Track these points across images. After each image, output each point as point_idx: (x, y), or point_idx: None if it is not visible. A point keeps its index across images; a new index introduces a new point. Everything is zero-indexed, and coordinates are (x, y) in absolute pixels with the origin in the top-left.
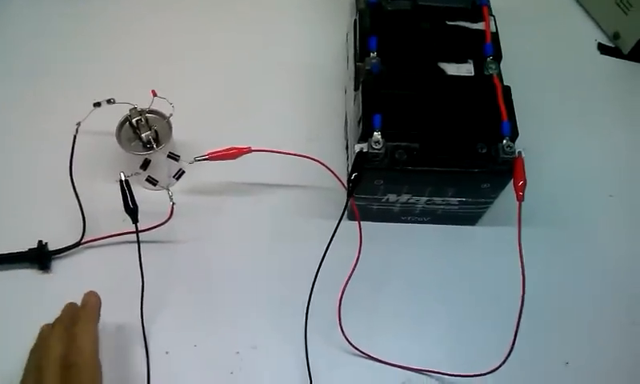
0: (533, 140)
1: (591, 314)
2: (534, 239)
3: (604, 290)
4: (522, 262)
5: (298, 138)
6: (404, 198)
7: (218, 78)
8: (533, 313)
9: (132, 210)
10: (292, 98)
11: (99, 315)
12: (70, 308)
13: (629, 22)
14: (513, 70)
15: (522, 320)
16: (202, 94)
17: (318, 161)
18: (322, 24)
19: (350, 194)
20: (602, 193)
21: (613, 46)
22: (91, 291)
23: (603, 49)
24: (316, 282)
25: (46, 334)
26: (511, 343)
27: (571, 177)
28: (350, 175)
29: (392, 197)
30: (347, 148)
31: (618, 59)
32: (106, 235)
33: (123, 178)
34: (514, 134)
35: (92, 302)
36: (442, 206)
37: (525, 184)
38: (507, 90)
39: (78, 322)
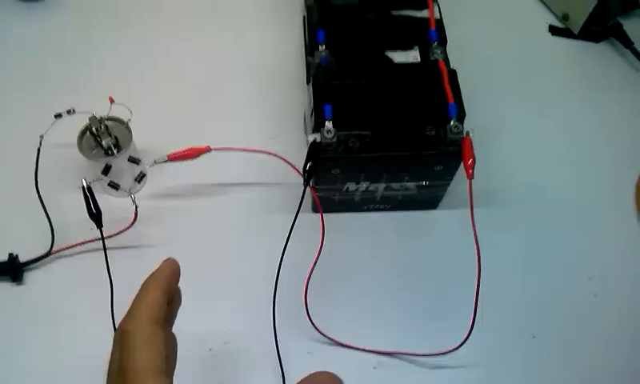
0: (489, 122)
1: (554, 288)
2: (494, 218)
3: (566, 264)
4: (476, 240)
5: (259, 136)
6: (363, 186)
7: (177, 84)
8: (497, 289)
9: (96, 215)
10: (252, 99)
11: (172, 283)
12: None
13: (576, 3)
14: (466, 56)
15: (488, 297)
16: (162, 100)
17: (277, 156)
18: (280, 26)
19: (306, 184)
20: (560, 169)
21: (563, 27)
22: (168, 258)
23: (554, 30)
24: (283, 274)
25: None
26: (472, 318)
27: (529, 155)
28: (304, 165)
29: (351, 185)
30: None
31: (569, 39)
32: (74, 244)
33: (85, 185)
34: (460, 115)
35: (161, 268)
36: (400, 192)
37: (474, 162)
38: (453, 74)
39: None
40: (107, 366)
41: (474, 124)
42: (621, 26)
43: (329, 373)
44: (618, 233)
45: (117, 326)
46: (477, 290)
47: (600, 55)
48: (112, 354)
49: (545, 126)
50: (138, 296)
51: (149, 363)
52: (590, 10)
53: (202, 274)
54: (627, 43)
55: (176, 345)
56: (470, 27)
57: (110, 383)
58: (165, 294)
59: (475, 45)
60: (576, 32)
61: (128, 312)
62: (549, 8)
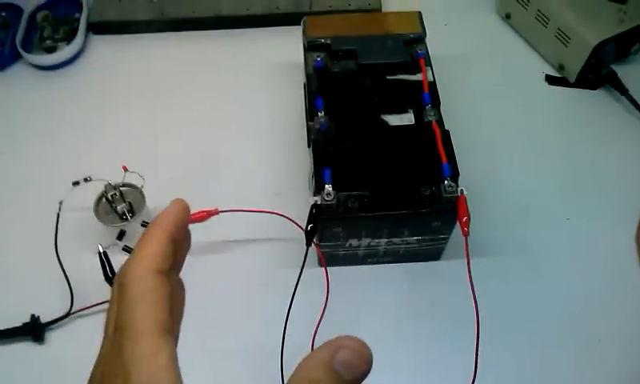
0: (487, 174)
1: (555, 336)
2: (495, 269)
3: (567, 312)
4: (474, 295)
5: (266, 194)
6: (365, 241)
7: (188, 148)
8: (503, 338)
9: (111, 279)
10: (259, 159)
11: (180, 225)
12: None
13: (570, 53)
14: (463, 110)
15: (489, 348)
16: (174, 164)
17: (282, 215)
18: (285, 89)
19: (308, 244)
20: (559, 217)
21: (560, 76)
22: (176, 199)
23: (551, 80)
24: (290, 329)
25: None
26: (473, 370)
27: (530, 203)
28: (306, 227)
29: (354, 242)
30: None
31: (565, 88)
32: (92, 304)
33: (101, 250)
34: (454, 174)
35: (168, 210)
36: (402, 246)
37: (469, 219)
38: (446, 134)
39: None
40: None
41: (472, 177)
42: (615, 73)
43: (355, 338)
44: (623, 286)
45: (114, 277)
46: (476, 348)
47: (596, 102)
48: (108, 310)
49: (543, 175)
50: (139, 242)
51: (149, 320)
52: (584, 59)
53: (209, 330)
54: (622, 90)
55: (183, 292)
56: (466, 81)
57: (106, 344)
58: (171, 239)
59: (472, 98)
60: (572, 81)
61: (127, 260)
62: (544, 58)
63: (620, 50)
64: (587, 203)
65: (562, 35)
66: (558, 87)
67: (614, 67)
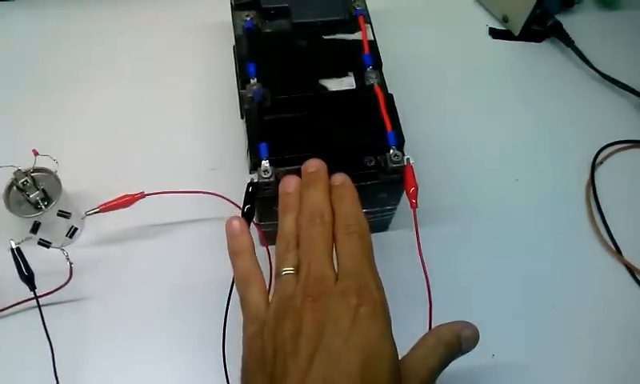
0: (432, 136)
1: (511, 302)
2: (445, 235)
3: (518, 276)
4: (424, 268)
5: (199, 169)
6: None
7: (108, 124)
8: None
9: (27, 278)
10: (189, 133)
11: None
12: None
13: (514, 4)
14: (406, 68)
15: (443, 316)
16: (93, 143)
17: (215, 194)
18: (217, 52)
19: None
20: (508, 177)
21: (504, 29)
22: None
23: (495, 33)
24: (232, 313)
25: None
26: None
27: (478, 165)
28: (243, 208)
29: None
30: None
31: (510, 41)
32: (9, 305)
33: (14, 246)
34: (399, 142)
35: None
36: None
37: (417, 190)
38: (390, 98)
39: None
40: None
41: (418, 141)
42: (560, 24)
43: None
44: (576, 246)
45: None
46: (429, 320)
47: (542, 55)
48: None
49: (490, 134)
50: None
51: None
52: (529, 10)
53: (147, 321)
54: (567, 41)
55: None
56: (408, 37)
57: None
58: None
59: (414, 55)
60: (516, 33)
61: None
62: (488, 10)
63: (565, 0)
64: (535, 161)
65: None
66: (502, 40)
67: (559, 18)
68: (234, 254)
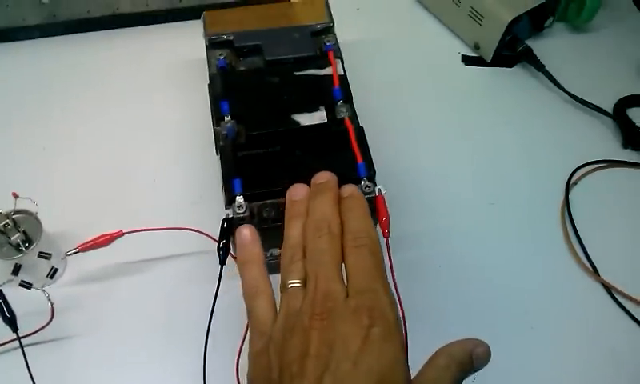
0: (405, 163)
1: (489, 326)
2: (417, 263)
3: (496, 299)
4: (399, 298)
5: (180, 203)
6: None
7: (87, 163)
8: (429, 333)
9: (9, 320)
10: (170, 168)
11: None
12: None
13: (484, 32)
14: (379, 96)
15: (419, 343)
16: (72, 183)
17: (193, 229)
18: (193, 89)
19: (222, 262)
20: (483, 202)
21: (476, 55)
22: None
23: (467, 60)
24: (213, 346)
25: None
26: None
27: (452, 190)
28: (218, 244)
29: (275, 251)
30: None
31: (482, 67)
32: None
33: None
34: (370, 173)
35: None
36: None
37: (389, 220)
38: (360, 131)
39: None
40: None
41: (390, 170)
42: (531, 50)
43: (486, 344)
44: (553, 269)
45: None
46: (405, 347)
47: (514, 79)
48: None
49: (464, 160)
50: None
51: None
52: (499, 37)
53: (131, 357)
54: (538, 66)
55: None
56: (380, 68)
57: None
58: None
59: (387, 85)
60: (488, 60)
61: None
62: (459, 38)
63: (534, 25)
64: (511, 185)
65: (476, 14)
66: (475, 67)
67: (529, 43)
68: (242, 264)
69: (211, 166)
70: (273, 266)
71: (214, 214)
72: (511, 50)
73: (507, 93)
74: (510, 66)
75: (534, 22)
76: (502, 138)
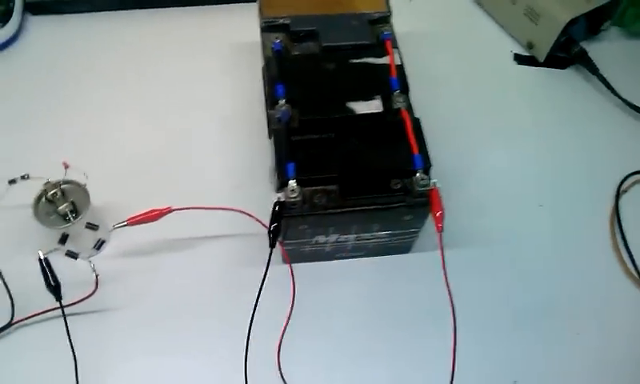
0: (458, 161)
1: (534, 329)
2: (468, 260)
3: (542, 302)
4: (449, 293)
5: (223, 186)
6: (332, 237)
7: (138, 139)
8: (475, 334)
9: (53, 288)
10: (217, 149)
11: None
12: None
13: (539, 31)
14: (432, 94)
15: (465, 343)
16: (122, 158)
17: (242, 211)
18: (246, 72)
19: (272, 245)
20: (532, 203)
21: (529, 55)
22: None
23: (520, 59)
24: (255, 329)
25: None
26: (452, 365)
27: (502, 190)
28: (269, 226)
29: (321, 238)
30: None
31: (535, 67)
32: (35, 313)
33: (42, 257)
34: (426, 166)
35: None
36: (372, 241)
37: (443, 214)
38: (417, 123)
39: None
40: None
41: (442, 165)
42: (585, 52)
43: None
44: (600, 274)
45: None
46: (454, 343)
47: (567, 82)
48: None
49: (514, 160)
50: None
51: None
52: (555, 38)
53: (172, 334)
54: (593, 69)
55: None
56: (432, 62)
57: None
58: None
59: (438, 80)
60: (541, 60)
61: None
62: (512, 37)
63: (590, 28)
64: (560, 188)
65: (532, 13)
66: (527, 66)
67: (584, 45)
68: None
69: (255, 152)
70: (317, 254)
71: (257, 197)
72: (565, 52)
73: (559, 94)
74: (563, 67)
75: (590, 24)
76: (552, 140)
